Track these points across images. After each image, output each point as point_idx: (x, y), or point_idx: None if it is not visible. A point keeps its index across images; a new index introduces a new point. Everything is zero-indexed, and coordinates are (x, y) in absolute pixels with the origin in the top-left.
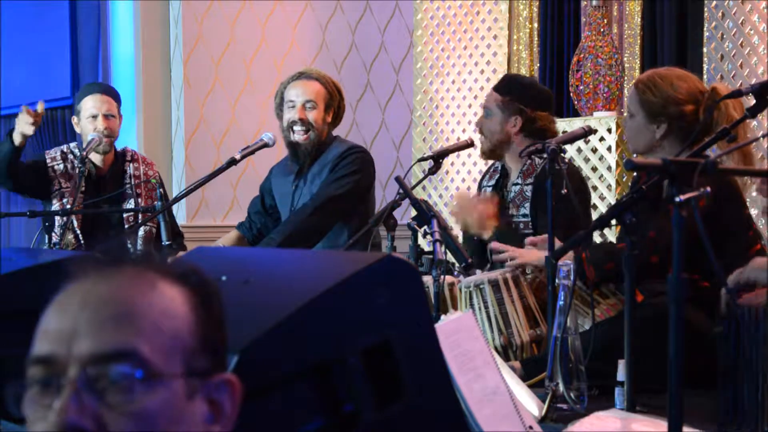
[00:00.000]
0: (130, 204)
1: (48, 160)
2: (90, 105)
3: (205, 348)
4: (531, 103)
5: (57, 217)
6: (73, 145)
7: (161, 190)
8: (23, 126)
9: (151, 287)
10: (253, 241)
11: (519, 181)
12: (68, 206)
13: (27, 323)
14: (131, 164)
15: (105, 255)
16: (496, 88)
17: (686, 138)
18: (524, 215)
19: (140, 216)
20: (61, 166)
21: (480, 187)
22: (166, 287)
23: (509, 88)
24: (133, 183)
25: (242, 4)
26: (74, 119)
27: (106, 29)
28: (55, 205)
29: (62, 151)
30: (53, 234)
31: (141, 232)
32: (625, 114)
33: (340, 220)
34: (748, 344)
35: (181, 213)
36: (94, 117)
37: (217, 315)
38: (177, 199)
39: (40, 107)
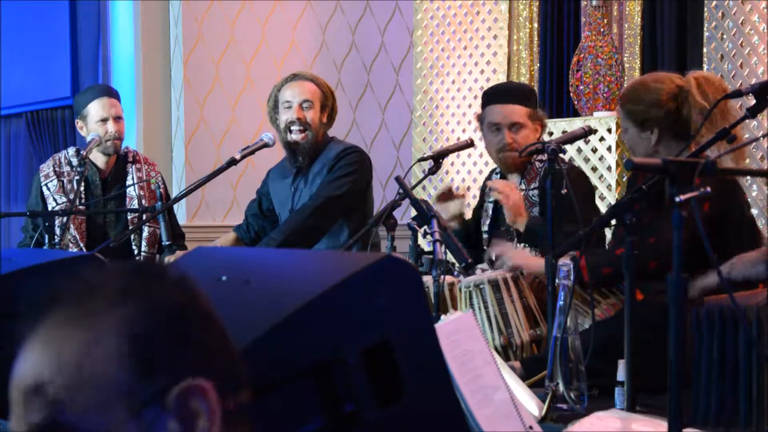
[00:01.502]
0: (134, 205)
1: (41, 179)
2: (98, 109)
3: (151, 370)
4: None
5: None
6: (71, 152)
7: (160, 190)
8: None
9: (84, 333)
10: (251, 244)
11: (522, 186)
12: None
13: (27, 323)
14: (133, 165)
15: (66, 287)
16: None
17: (681, 136)
18: None
19: (142, 217)
20: (54, 183)
21: (483, 193)
22: (103, 321)
23: None
24: (135, 184)
25: (242, 4)
26: (78, 123)
27: (106, 29)
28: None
29: (55, 162)
30: (54, 234)
31: (145, 233)
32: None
33: (339, 220)
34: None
35: (181, 213)
36: (104, 121)
37: (171, 321)
38: (177, 199)
39: None
